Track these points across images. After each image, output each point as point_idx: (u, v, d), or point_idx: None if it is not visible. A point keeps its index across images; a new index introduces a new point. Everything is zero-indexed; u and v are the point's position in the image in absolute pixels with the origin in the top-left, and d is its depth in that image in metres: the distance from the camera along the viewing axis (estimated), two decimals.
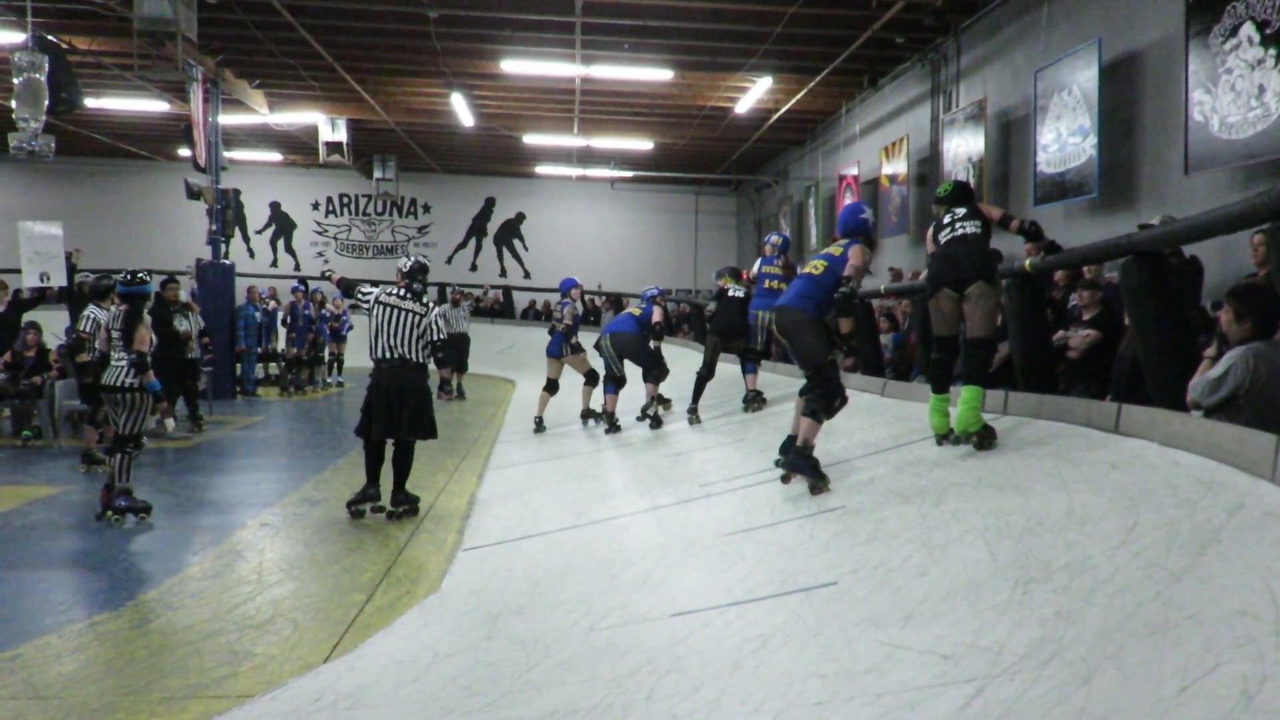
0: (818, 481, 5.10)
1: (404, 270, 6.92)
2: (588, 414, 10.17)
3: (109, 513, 6.44)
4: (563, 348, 10.18)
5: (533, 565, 5.05)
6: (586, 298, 9.63)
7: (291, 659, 3.94)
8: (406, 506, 6.69)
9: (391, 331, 6.61)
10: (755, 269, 8.79)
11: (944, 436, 5.24)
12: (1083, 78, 9.02)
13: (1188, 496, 3.18)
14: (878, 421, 6.49)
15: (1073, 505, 3.53)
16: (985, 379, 5.13)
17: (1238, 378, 4.03)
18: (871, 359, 9.02)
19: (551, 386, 10.44)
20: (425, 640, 4.03)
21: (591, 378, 10.19)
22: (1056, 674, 2.34)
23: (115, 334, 6.68)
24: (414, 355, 6.63)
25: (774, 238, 8.90)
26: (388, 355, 6.59)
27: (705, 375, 8.99)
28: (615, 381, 9.52)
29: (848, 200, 16.18)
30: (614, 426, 9.32)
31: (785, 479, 5.42)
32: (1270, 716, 1.84)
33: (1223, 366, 4.11)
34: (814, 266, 5.65)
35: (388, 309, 6.67)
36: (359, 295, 6.88)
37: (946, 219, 5.42)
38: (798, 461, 5.19)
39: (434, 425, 6.77)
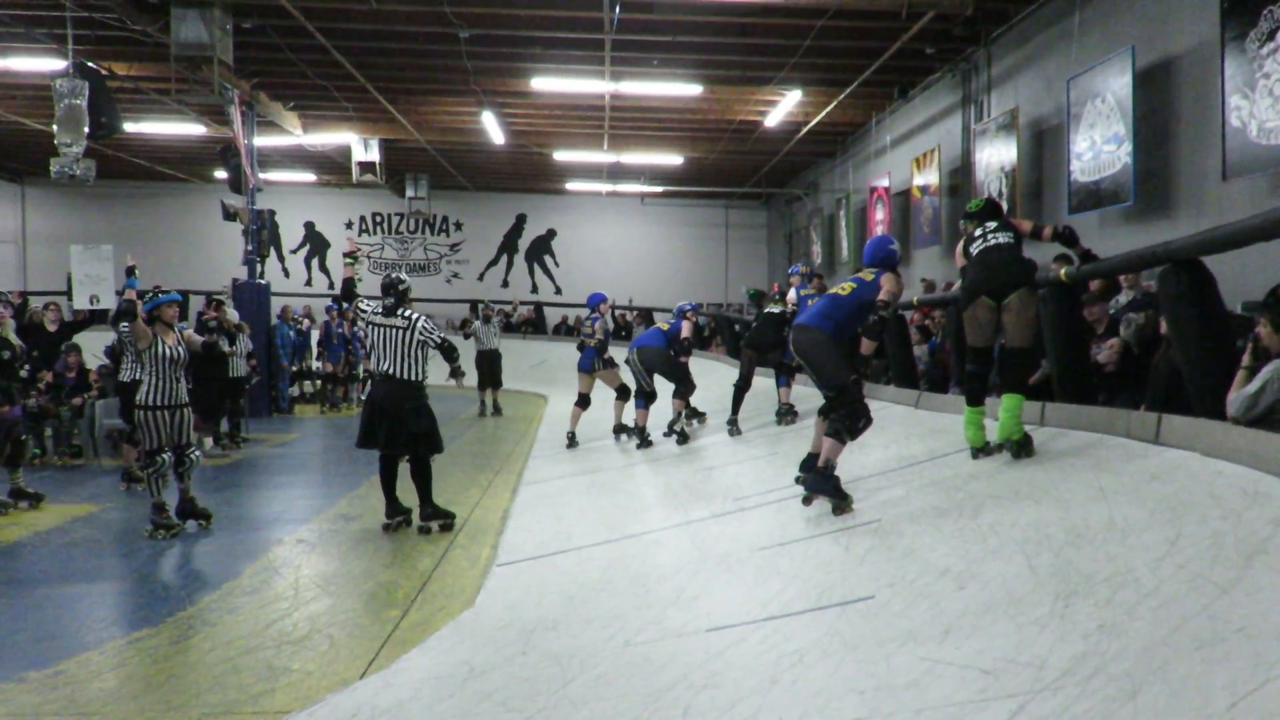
0: (840, 502, 5.04)
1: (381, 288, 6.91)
2: (620, 429, 10.19)
3: (190, 519, 6.88)
4: (594, 363, 10.27)
5: (567, 580, 5.05)
6: (617, 313, 9.71)
7: (328, 675, 3.96)
8: (438, 521, 6.72)
9: (381, 348, 6.70)
10: (793, 294, 8.90)
11: (980, 449, 5.18)
12: (1116, 85, 8.93)
13: (1232, 508, 3.12)
14: (912, 434, 6.44)
15: (1113, 517, 3.48)
16: (1026, 388, 5.07)
17: (1275, 393, 3.97)
18: (905, 371, 8.96)
19: (583, 401, 10.49)
20: (460, 656, 4.03)
21: (623, 393, 10.25)
22: (1101, 689, 2.29)
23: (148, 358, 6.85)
24: (402, 371, 6.65)
25: (799, 268, 9.26)
26: (381, 370, 6.71)
27: (742, 387, 9.08)
28: (645, 396, 9.54)
29: (879, 213, 16.11)
30: (645, 441, 9.35)
31: (807, 501, 5.29)
32: None
33: (1259, 381, 4.06)
34: (841, 288, 5.65)
35: (375, 328, 6.75)
36: (359, 309, 6.90)
37: (978, 232, 5.39)
38: (820, 483, 5.13)
39: (432, 440, 6.75)
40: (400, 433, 6.63)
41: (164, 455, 6.87)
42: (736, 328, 17.26)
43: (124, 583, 5.55)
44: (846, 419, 5.14)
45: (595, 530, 6.12)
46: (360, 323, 6.99)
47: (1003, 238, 5.39)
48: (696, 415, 9.62)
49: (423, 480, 6.75)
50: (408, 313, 6.77)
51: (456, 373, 6.91)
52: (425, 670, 3.91)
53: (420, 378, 6.75)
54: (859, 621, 3.38)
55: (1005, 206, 11.27)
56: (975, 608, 3.14)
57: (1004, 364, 5.22)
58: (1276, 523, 2.86)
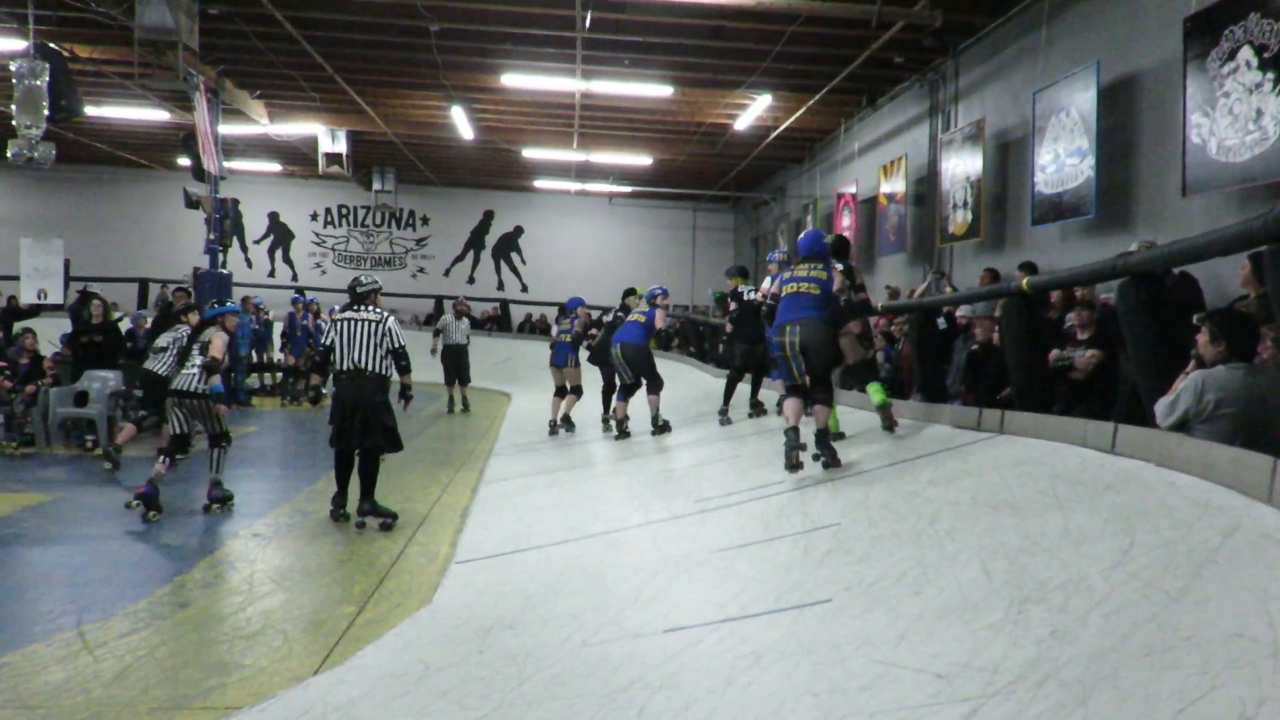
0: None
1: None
2: (556, 425, 10.90)
3: (214, 504, 7.12)
4: (567, 358, 10.92)
5: (525, 579, 5.03)
6: (592, 314, 10.56)
7: (281, 671, 3.91)
8: (378, 520, 6.62)
9: (347, 343, 6.71)
10: (768, 283, 8.49)
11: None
12: (1081, 99, 9.05)
13: (1184, 518, 3.17)
14: (873, 440, 6.48)
15: (1068, 525, 3.52)
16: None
17: (1186, 403, 4.13)
18: (867, 377, 9.01)
19: (561, 392, 11.14)
20: (416, 654, 4.00)
21: (578, 392, 11.03)
22: (1052, 694, 2.32)
23: (195, 347, 7.37)
24: (370, 364, 6.68)
25: (776, 255, 9.04)
26: (346, 367, 6.71)
27: (736, 377, 9.39)
28: (626, 389, 9.73)
29: (845, 219, 16.22)
30: (623, 433, 9.59)
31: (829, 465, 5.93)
32: None
33: (1175, 392, 4.21)
34: (809, 287, 6.27)
35: (343, 323, 6.79)
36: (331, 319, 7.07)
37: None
38: (831, 450, 5.96)
39: (394, 436, 6.77)
40: (374, 430, 6.62)
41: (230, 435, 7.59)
42: (701, 329, 17.35)
43: (73, 574, 5.43)
44: (828, 392, 6.19)
45: (555, 529, 6.10)
46: (328, 325, 7.16)
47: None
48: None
49: (370, 476, 6.70)
50: (379, 310, 6.88)
51: (405, 390, 6.99)
52: (380, 668, 3.88)
53: (387, 372, 6.78)
54: (815, 625, 3.39)
55: (968, 218, 11.40)
56: (931, 612, 3.17)
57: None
58: (1226, 533, 2.91)
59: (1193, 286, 6.69)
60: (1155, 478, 3.70)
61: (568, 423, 10.91)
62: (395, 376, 6.89)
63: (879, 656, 2.91)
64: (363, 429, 6.60)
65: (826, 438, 6.03)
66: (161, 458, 7.10)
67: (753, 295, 8.97)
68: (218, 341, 7.33)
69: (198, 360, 7.26)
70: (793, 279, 6.38)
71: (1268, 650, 2.12)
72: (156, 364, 9.00)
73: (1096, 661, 2.41)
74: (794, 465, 5.84)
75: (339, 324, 6.81)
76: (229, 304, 7.87)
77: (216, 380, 7.26)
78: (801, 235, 6.83)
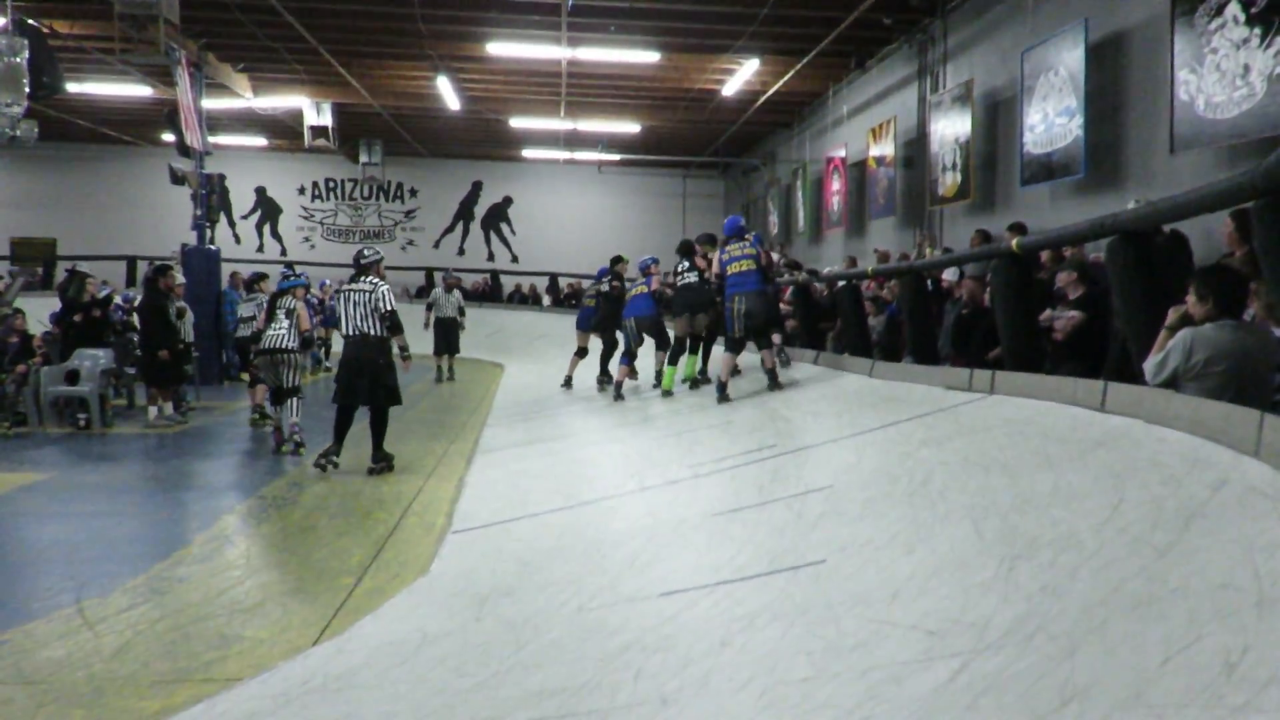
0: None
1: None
2: (570, 381, 11.93)
3: (284, 447, 8.51)
4: (591, 322, 11.73)
5: (522, 547, 5.06)
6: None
7: (280, 642, 3.94)
8: (383, 464, 7.47)
9: (349, 311, 7.51)
10: (717, 264, 8.94)
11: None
12: (1069, 58, 9.02)
13: (1173, 473, 3.20)
14: (865, 402, 6.51)
15: (1059, 483, 3.55)
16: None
17: (1175, 361, 4.15)
18: (859, 340, 9.05)
19: (582, 353, 12.09)
20: (414, 622, 4.03)
21: (583, 354, 12.03)
22: (1041, 648, 2.35)
23: (279, 312, 8.65)
24: (370, 329, 7.46)
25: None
26: (349, 332, 7.51)
27: (678, 347, 9.92)
28: (629, 355, 10.33)
29: (835, 184, 16.20)
30: (620, 395, 10.13)
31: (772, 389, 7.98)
32: (1251, 685, 1.86)
33: (1164, 350, 4.24)
34: (748, 265, 8.30)
35: (345, 294, 7.61)
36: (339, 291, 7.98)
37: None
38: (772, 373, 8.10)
39: (396, 392, 7.64)
40: (380, 387, 7.46)
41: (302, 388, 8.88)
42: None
43: (71, 551, 5.45)
44: (768, 341, 8.28)
45: (551, 497, 6.13)
46: (284, 298, 8.60)
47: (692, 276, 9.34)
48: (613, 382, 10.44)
49: (380, 429, 7.53)
50: (374, 280, 7.60)
51: (403, 350, 7.70)
52: (379, 637, 3.91)
53: (387, 336, 7.54)
54: (809, 585, 3.43)
55: (957, 179, 11.39)
56: (923, 571, 3.20)
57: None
58: (1214, 487, 2.94)
59: (1182, 244, 6.70)
60: (1145, 434, 3.72)
61: (569, 381, 11.88)
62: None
63: (871, 615, 2.95)
64: (371, 388, 7.42)
65: (774, 374, 8.18)
66: (275, 409, 8.85)
67: (691, 279, 9.47)
68: (304, 313, 8.78)
69: (284, 322, 8.56)
70: (731, 259, 8.36)
71: (1252, 600, 2.15)
72: (247, 330, 10.54)
73: (1085, 615, 2.45)
74: (724, 398, 8.14)
75: (341, 295, 7.65)
76: (296, 279, 9.28)
77: (315, 349, 8.83)
78: (726, 220, 9.15)
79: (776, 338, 8.75)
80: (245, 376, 11.37)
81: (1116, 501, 3.13)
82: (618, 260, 11.28)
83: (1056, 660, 2.26)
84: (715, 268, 8.85)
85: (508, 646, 3.54)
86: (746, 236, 8.54)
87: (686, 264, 9.54)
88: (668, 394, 9.57)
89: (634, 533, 4.89)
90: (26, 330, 10.54)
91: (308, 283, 9.65)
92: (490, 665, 3.39)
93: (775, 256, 12.00)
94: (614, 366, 10.81)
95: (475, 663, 3.44)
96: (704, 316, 9.48)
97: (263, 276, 11.41)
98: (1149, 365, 4.33)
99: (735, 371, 8.53)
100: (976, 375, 5.68)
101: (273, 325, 8.60)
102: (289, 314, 8.61)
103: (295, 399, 8.60)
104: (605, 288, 11.07)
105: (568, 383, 11.93)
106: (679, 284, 9.56)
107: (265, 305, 9.24)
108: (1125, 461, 3.50)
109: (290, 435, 8.51)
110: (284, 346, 8.50)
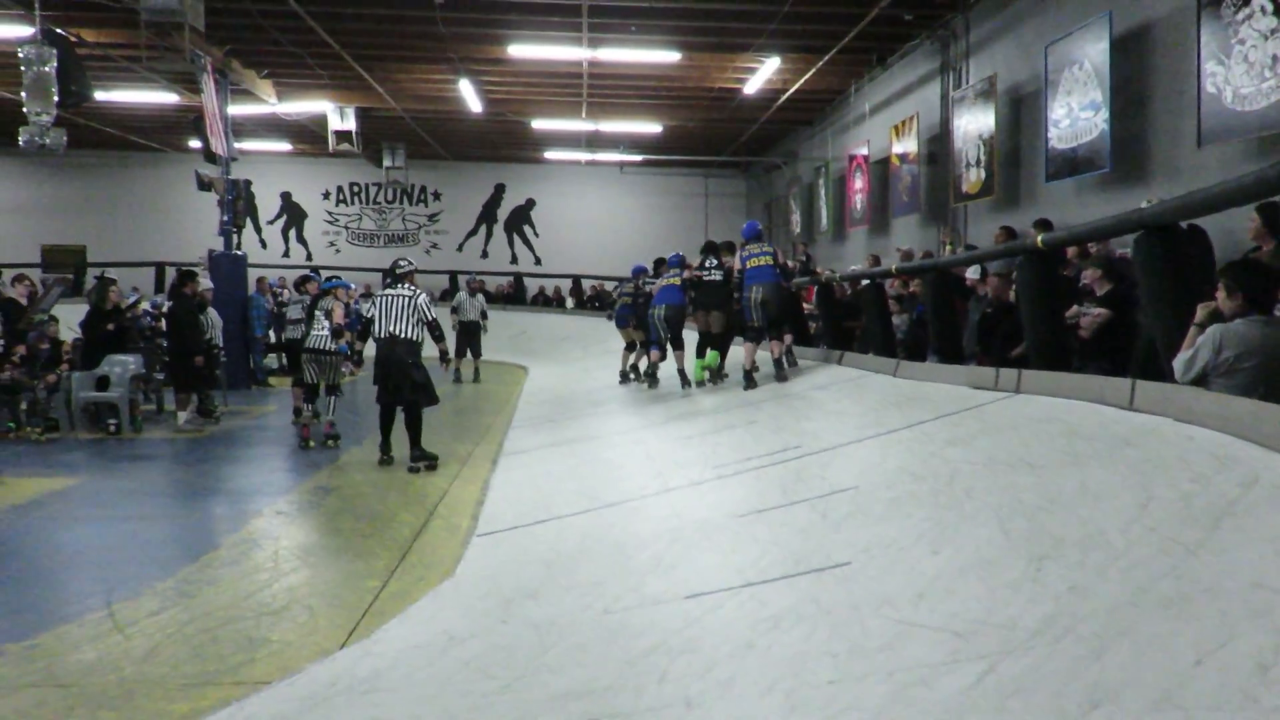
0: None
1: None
2: (627, 375, 12.09)
3: (328, 440, 9.10)
4: (630, 319, 11.70)
5: (546, 549, 5.07)
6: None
7: (308, 645, 3.97)
8: (425, 463, 7.86)
9: (385, 314, 8.01)
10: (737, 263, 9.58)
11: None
12: (1094, 51, 8.93)
13: (1202, 471, 3.16)
14: (889, 402, 6.48)
15: (1086, 481, 3.52)
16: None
17: (1204, 358, 4.11)
18: (883, 339, 9.00)
19: (631, 346, 12.15)
20: (440, 625, 4.05)
21: (632, 347, 12.14)
22: (1069, 649, 2.33)
23: (319, 314, 9.17)
24: (405, 332, 7.94)
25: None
26: (383, 334, 7.97)
27: (702, 342, 10.26)
28: (659, 344, 10.63)
29: (857, 181, 16.14)
30: (655, 380, 10.70)
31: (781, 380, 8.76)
32: None
33: (1193, 347, 4.19)
34: (766, 260, 9.05)
35: (383, 298, 8.13)
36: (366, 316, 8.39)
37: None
38: (782, 367, 8.94)
39: (429, 391, 8.10)
40: (414, 386, 7.91)
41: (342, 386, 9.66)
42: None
43: (102, 555, 5.51)
44: (780, 332, 9.07)
45: (575, 499, 6.14)
46: (370, 302, 8.52)
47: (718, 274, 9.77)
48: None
49: (416, 427, 7.94)
50: (413, 288, 8.17)
51: (444, 355, 8.51)
52: (405, 640, 3.93)
53: (419, 339, 8.04)
54: (834, 587, 3.41)
55: (981, 176, 11.31)
56: (949, 571, 3.18)
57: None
58: (1245, 485, 2.90)
59: (1202, 239, 6.61)
60: (1173, 432, 3.68)
61: (636, 371, 11.90)
62: (427, 341, 8.13)
63: (897, 616, 2.93)
64: (411, 388, 7.90)
65: (780, 364, 8.96)
66: (309, 406, 9.51)
67: (715, 277, 9.90)
68: (338, 309, 9.12)
69: (325, 325, 9.06)
70: (750, 255, 9.11)
71: None
72: (295, 331, 11.24)
73: (1114, 615, 2.42)
74: (750, 385, 8.83)
75: (380, 299, 8.15)
76: (338, 280, 9.96)
77: (343, 341, 9.09)
78: (745, 225, 9.76)
79: (788, 337, 9.35)
80: (275, 381, 11.54)
81: (1145, 500, 3.10)
82: (661, 263, 11.58)
83: (1085, 661, 2.24)
84: (736, 264, 9.45)
85: (533, 649, 3.54)
86: (764, 238, 9.40)
87: (714, 261, 9.94)
88: (700, 384, 9.99)
89: (658, 534, 4.89)
90: (58, 337, 10.66)
91: (349, 284, 10.28)
92: (515, 668, 3.40)
93: (791, 264, 12.53)
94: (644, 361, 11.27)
95: (500, 665, 3.44)
96: (720, 315, 9.84)
97: (309, 278, 11.78)
98: (1178, 362, 4.28)
99: (754, 367, 9.07)
100: (1002, 374, 5.63)
101: (315, 325, 9.15)
102: (327, 314, 9.07)
103: (334, 397, 9.28)
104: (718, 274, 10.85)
105: (625, 377, 12.18)
106: (704, 279, 9.93)
107: (307, 306, 9.77)
108: (1153, 459, 3.46)
109: (327, 432, 9.15)
110: (326, 348, 9.07)
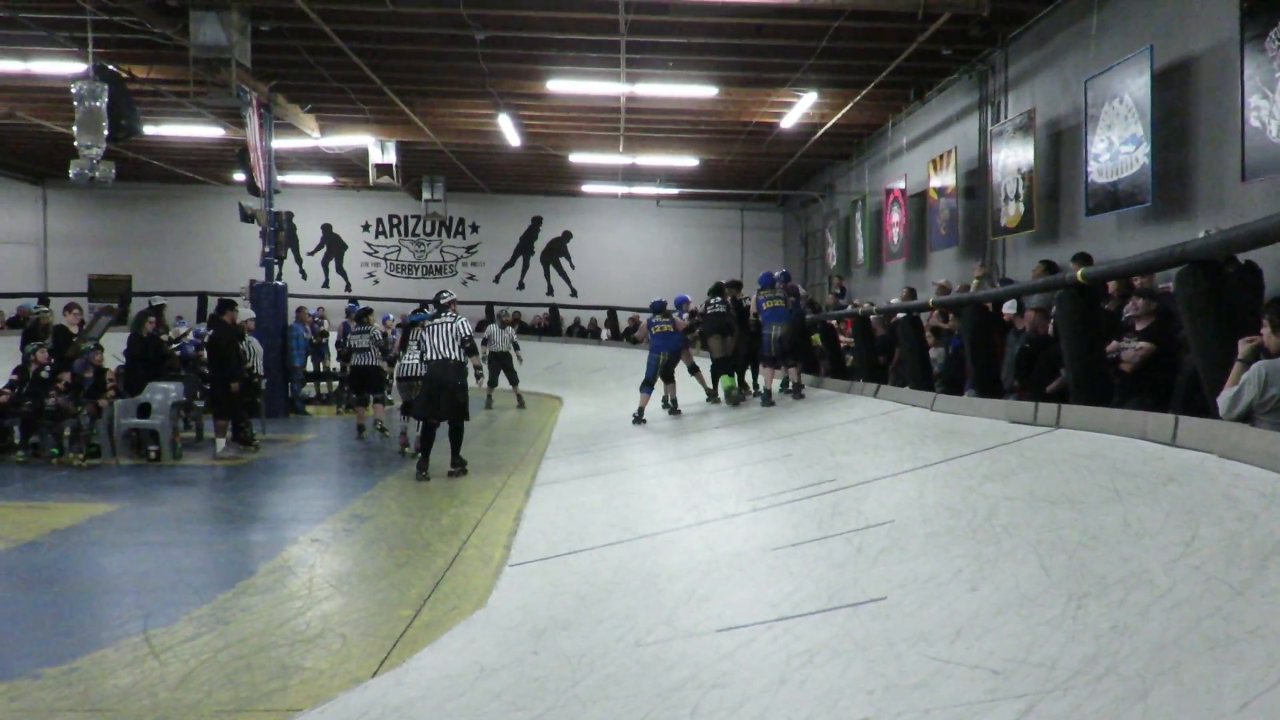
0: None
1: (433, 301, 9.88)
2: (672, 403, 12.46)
3: (404, 449, 10.66)
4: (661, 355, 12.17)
5: (579, 581, 5.05)
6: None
7: (340, 673, 3.97)
8: (459, 468, 9.04)
9: (435, 339, 9.06)
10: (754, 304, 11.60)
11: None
12: (1134, 85, 8.88)
13: (1249, 509, 3.09)
14: (927, 436, 6.41)
15: (1128, 518, 3.45)
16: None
17: (1250, 395, 4.07)
18: (920, 372, 8.93)
19: (667, 376, 12.24)
20: (472, 655, 4.04)
21: (692, 370, 12.80)
22: (1111, 689, 2.28)
23: (412, 344, 10.34)
24: (451, 355, 8.97)
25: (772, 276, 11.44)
26: (434, 357, 9.00)
27: (715, 368, 12.29)
28: (649, 384, 11.88)
29: (894, 215, 16.10)
30: (642, 419, 11.68)
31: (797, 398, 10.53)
32: None
33: (1238, 384, 4.15)
34: (780, 303, 10.80)
35: (432, 326, 9.25)
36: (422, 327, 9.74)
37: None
38: (794, 388, 10.79)
39: (466, 409, 9.14)
40: (456, 405, 8.93)
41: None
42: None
43: (140, 581, 5.57)
44: (797, 360, 10.94)
45: (608, 531, 6.12)
46: (416, 330, 10.12)
47: (720, 308, 11.75)
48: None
49: (458, 439, 9.10)
50: (453, 314, 9.32)
51: (478, 369, 9.76)
52: (436, 669, 3.92)
53: (465, 361, 9.06)
54: (870, 622, 3.36)
55: (1020, 210, 11.24)
56: (987, 609, 3.12)
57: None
58: None
59: (1255, 275, 6.51)
60: (1219, 469, 3.60)
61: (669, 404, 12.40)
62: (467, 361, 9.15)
63: (934, 653, 2.88)
64: (452, 406, 8.93)
65: (799, 388, 10.71)
66: (404, 419, 10.77)
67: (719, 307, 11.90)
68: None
69: (415, 352, 9.97)
70: (765, 299, 10.91)
71: None
72: (362, 359, 12.16)
73: (1157, 655, 2.36)
74: (767, 404, 10.54)
75: (430, 327, 9.27)
76: (423, 314, 10.95)
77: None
78: (760, 275, 11.38)
79: (796, 369, 11.00)
80: (313, 410, 11.58)
81: (1189, 538, 3.03)
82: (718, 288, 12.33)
83: (1128, 702, 2.18)
84: (752, 306, 11.50)
85: (564, 681, 3.52)
86: (775, 285, 11.05)
87: (718, 299, 11.94)
88: (726, 400, 11.77)
89: (691, 567, 4.85)
90: (102, 365, 10.85)
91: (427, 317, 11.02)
92: (546, 699, 3.37)
93: (803, 291, 15.19)
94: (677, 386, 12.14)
95: (531, 696, 3.42)
96: (730, 339, 11.68)
97: (369, 310, 12.73)
98: (1223, 399, 4.21)
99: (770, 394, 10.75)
100: (1042, 408, 5.56)
101: (406, 354, 10.44)
102: (419, 345, 9.77)
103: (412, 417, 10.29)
104: (720, 307, 12.00)
105: (670, 406, 12.47)
106: (709, 312, 11.85)
107: (398, 336, 11.09)
108: (1198, 497, 3.39)
109: (404, 442, 10.74)
110: (418, 375, 9.81)
